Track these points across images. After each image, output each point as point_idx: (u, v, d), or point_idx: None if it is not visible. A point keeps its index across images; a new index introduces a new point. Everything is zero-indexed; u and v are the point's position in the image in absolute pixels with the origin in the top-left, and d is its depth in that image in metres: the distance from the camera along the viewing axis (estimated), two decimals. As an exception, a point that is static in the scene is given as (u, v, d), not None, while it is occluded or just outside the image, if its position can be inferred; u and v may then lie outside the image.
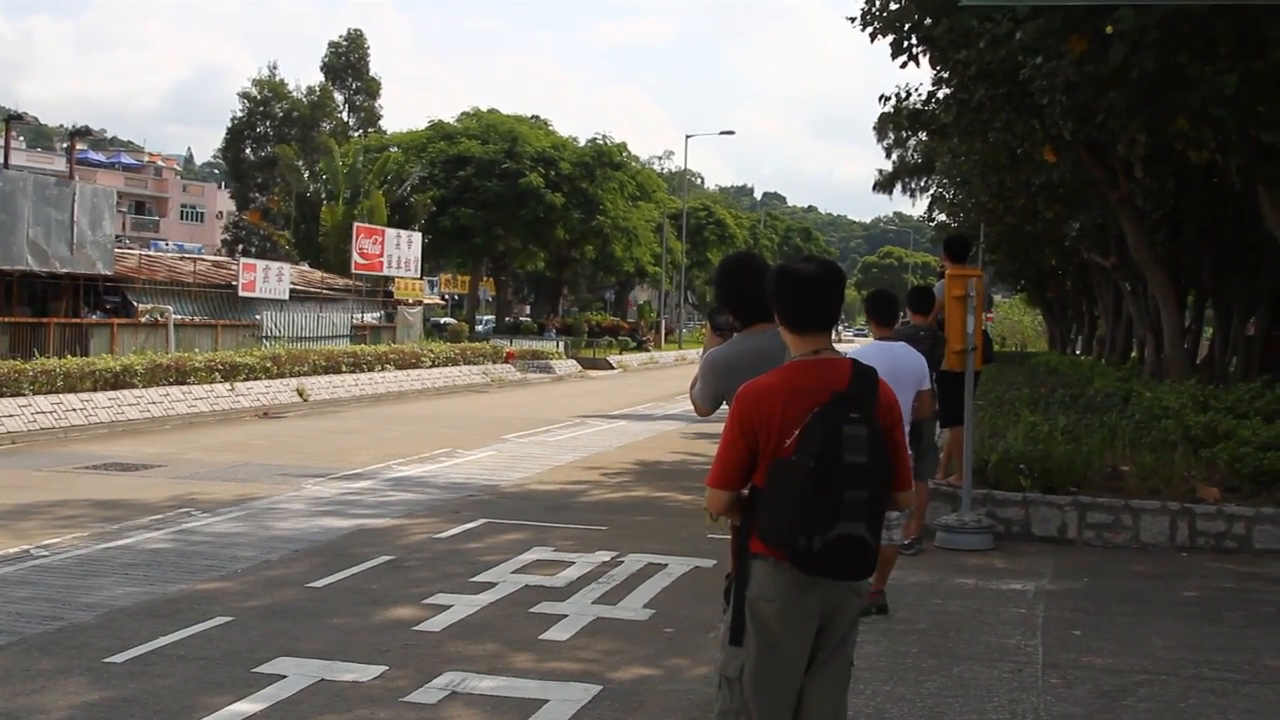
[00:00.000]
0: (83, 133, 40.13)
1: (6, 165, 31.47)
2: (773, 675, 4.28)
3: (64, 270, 30.03)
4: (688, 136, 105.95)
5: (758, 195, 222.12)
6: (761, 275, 4.70)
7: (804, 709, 4.36)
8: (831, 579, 4.17)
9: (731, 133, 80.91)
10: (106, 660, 7.37)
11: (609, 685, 7.02)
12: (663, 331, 72.71)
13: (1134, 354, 34.41)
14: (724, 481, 4.28)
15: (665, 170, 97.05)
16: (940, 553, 11.11)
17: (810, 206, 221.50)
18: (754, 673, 4.28)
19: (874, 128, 44.70)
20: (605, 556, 10.77)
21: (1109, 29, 12.53)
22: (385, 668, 7.28)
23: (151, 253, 45.72)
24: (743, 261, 5.31)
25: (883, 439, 4.16)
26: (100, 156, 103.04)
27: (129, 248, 45.46)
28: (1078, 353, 50.82)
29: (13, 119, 36.87)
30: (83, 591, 9.24)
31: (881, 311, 9.23)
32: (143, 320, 32.06)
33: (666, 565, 10.43)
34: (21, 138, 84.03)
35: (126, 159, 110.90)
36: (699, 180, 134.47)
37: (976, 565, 10.60)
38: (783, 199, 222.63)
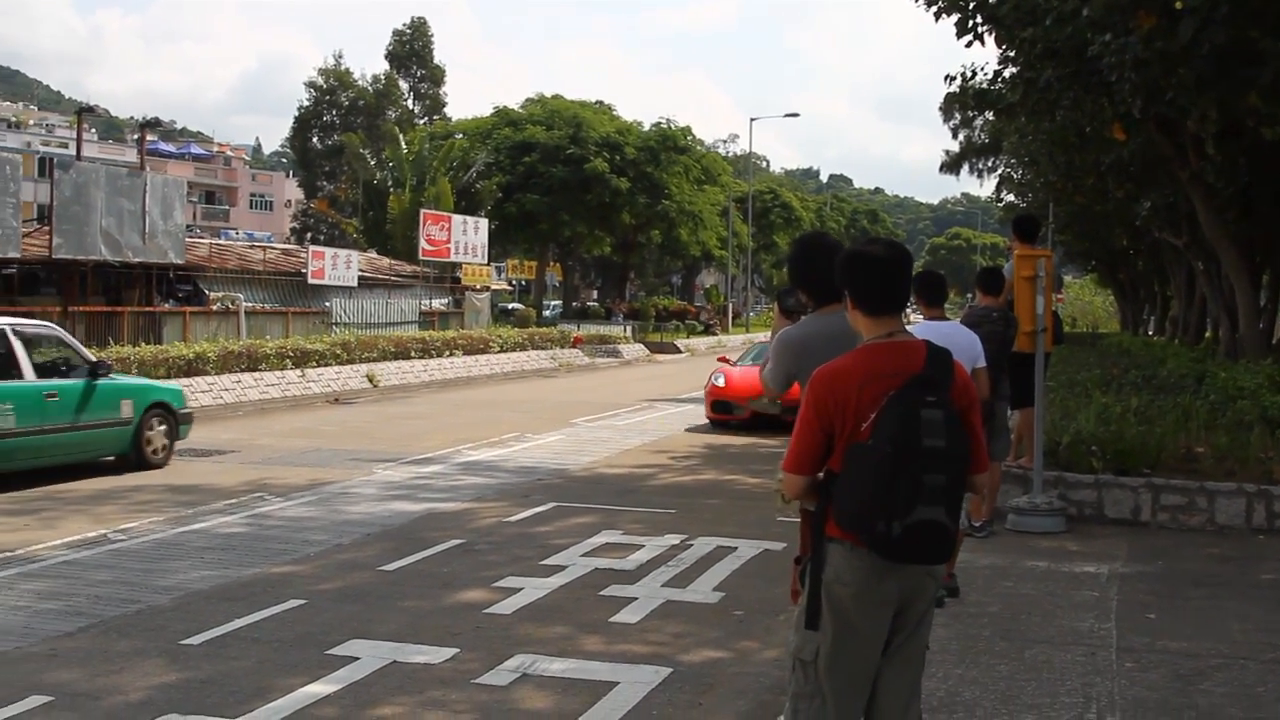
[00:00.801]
0: (153, 124, 40.66)
1: (79, 157, 31.88)
2: (849, 659, 4.27)
3: (137, 259, 30.38)
4: (752, 119, 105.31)
5: (823, 178, 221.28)
6: (834, 255, 4.67)
7: (879, 692, 4.36)
8: (910, 564, 4.15)
9: (796, 115, 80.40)
10: (183, 642, 7.48)
11: (679, 668, 7.03)
12: (730, 315, 72.57)
13: (1208, 334, 33.96)
14: (800, 466, 4.27)
15: (730, 154, 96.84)
16: (1011, 535, 11.03)
17: (877, 188, 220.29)
18: (830, 656, 4.27)
19: (940, 108, 44.33)
20: (675, 539, 10.78)
21: (1178, 4, 12.34)
22: (456, 650, 7.33)
23: (222, 241, 46.17)
24: (816, 241, 5.30)
25: (959, 422, 4.13)
26: (170, 147, 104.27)
27: (200, 237, 45.96)
28: (1150, 333, 50.24)
29: (84, 111, 37.44)
30: (159, 575, 9.38)
31: (929, 292, 9.14)
32: (214, 308, 32.41)
33: (736, 548, 10.43)
34: (93, 130, 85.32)
35: (196, 149, 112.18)
36: (764, 163, 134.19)
37: (1048, 548, 10.51)
38: (849, 181, 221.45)
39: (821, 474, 4.27)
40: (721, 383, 20.93)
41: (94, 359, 15.29)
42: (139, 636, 7.65)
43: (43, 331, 15.27)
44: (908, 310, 4.63)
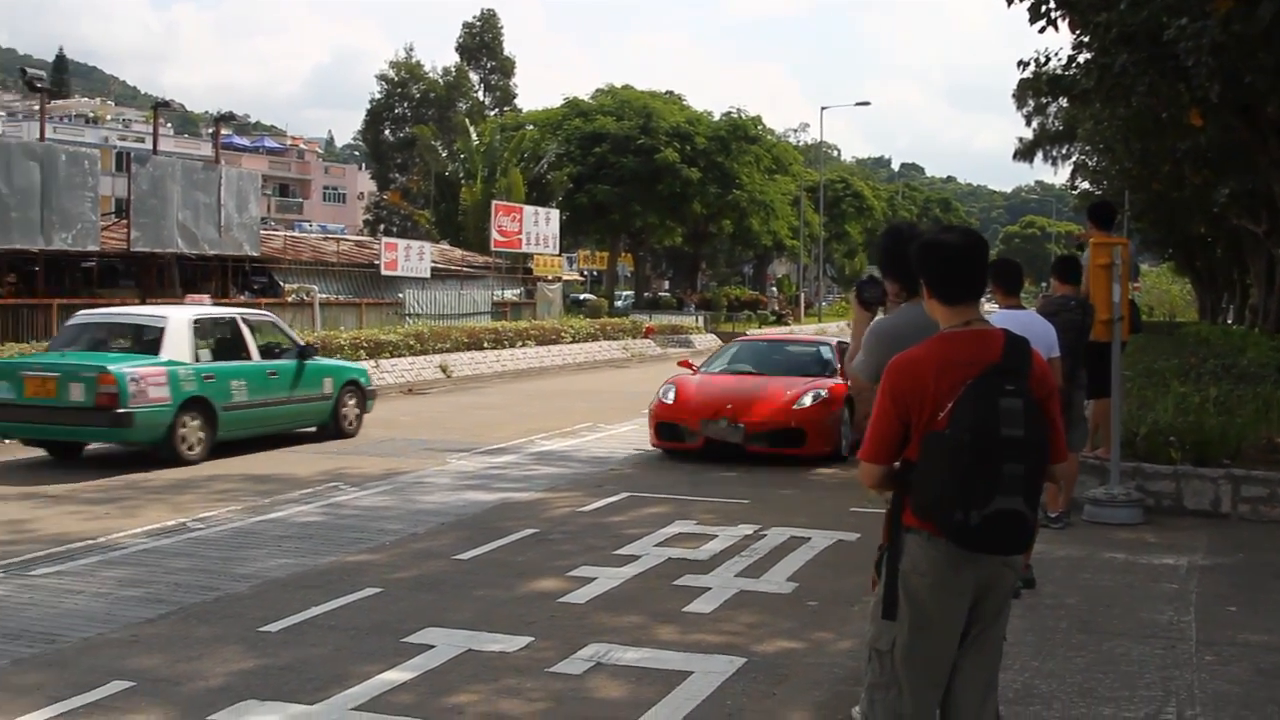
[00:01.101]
0: (227, 118, 40.89)
1: (156, 151, 32.29)
2: (925, 649, 4.26)
3: (213, 252, 30.76)
4: (823, 108, 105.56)
5: (895, 166, 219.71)
6: None
7: (956, 684, 4.34)
8: (988, 554, 4.13)
9: (867, 104, 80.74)
10: (261, 629, 7.57)
11: (753, 658, 7.02)
12: (802, 305, 72.30)
13: (1288, 323, 33.44)
14: (876, 455, 4.26)
15: (801, 143, 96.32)
16: (1088, 527, 10.92)
17: (949, 177, 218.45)
18: (906, 647, 4.26)
19: (1013, 95, 43.77)
20: (748, 530, 10.77)
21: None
22: (531, 639, 7.36)
23: (296, 234, 46.58)
24: (906, 231, 5.29)
25: (1038, 411, 4.09)
26: (244, 141, 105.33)
27: (274, 229, 46.41)
28: (1229, 322, 49.58)
29: (160, 106, 37.79)
30: (237, 563, 9.50)
31: (1006, 280, 9.05)
32: (289, 300, 32.70)
33: (810, 539, 10.40)
34: (169, 124, 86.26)
35: (270, 143, 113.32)
36: (835, 152, 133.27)
37: (1126, 539, 10.40)
38: (921, 170, 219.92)
39: (898, 463, 4.25)
40: (670, 398, 15.90)
41: (302, 343, 17.68)
42: (218, 623, 7.75)
43: (263, 319, 17.76)
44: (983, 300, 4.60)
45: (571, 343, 37.29)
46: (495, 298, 42.08)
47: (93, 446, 15.68)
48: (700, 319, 55.32)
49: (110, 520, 11.28)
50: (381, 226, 76.23)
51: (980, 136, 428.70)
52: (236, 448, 15.76)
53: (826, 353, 17.23)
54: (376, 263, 36.92)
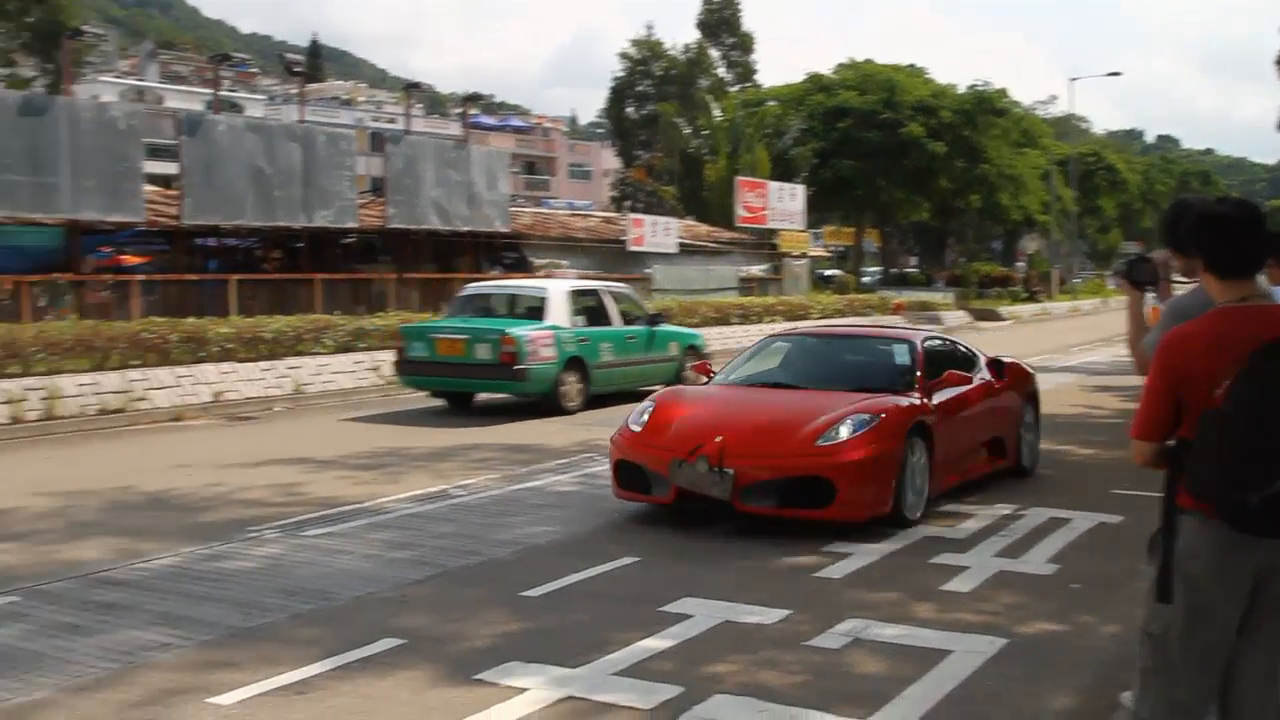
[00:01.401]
0: (474, 98, 41.86)
1: (408, 131, 33.22)
2: (1201, 635, 4.09)
3: (465, 228, 31.54)
4: (1072, 79, 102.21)
5: (1149, 138, 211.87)
6: None
7: (1236, 673, 4.16)
8: (1268, 538, 3.95)
9: (1118, 74, 78.41)
10: (523, 594, 7.74)
11: (1014, 639, 6.88)
12: (1054, 282, 70.47)
13: None
14: (1147, 432, 4.13)
15: (1048, 115, 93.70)
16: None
17: (1207, 149, 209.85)
18: (1181, 631, 4.10)
19: (1275, 62, 41.77)
20: (1006, 509, 10.56)
21: None
22: (788, 611, 7.35)
23: (544, 210, 47.41)
24: (1196, 205, 5.12)
25: None
26: (491, 120, 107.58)
27: (523, 206, 47.30)
28: None
29: (410, 88, 38.86)
30: (497, 529, 9.75)
31: None
32: (540, 275, 33.35)
33: (1070, 520, 10.13)
34: (419, 105, 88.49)
35: (516, 122, 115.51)
36: (1085, 125, 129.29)
37: None
38: (1176, 142, 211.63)
39: (1173, 441, 4.10)
40: (640, 425, 10.45)
41: (652, 311, 20.36)
42: (481, 586, 7.98)
43: (620, 290, 20.33)
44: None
45: (820, 318, 37.10)
46: (741, 273, 42.13)
47: (481, 397, 18.57)
48: (950, 295, 54.42)
49: (376, 486, 11.71)
50: (627, 203, 76.98)
51: (1240, 106, 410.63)
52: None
53: (904, 356, 11.43)
54: (623, 238, 37.36)
